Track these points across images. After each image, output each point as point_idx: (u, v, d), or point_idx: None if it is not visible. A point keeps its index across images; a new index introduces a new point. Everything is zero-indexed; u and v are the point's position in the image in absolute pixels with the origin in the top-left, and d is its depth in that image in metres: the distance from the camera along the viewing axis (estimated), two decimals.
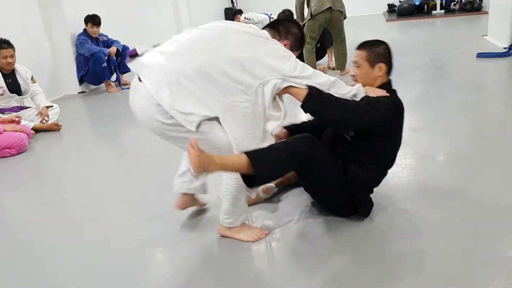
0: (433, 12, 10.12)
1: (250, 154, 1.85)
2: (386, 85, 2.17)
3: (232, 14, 10.60)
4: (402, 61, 5.68)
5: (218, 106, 1.82)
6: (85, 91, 6.03)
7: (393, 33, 8.68)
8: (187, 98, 1.78)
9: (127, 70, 6.20)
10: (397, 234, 2.07)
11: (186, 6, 9.51)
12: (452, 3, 10.16)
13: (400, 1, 10.69)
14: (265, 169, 1.87)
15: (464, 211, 2.20)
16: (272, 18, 9.66)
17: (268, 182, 2.23)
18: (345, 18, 5.25)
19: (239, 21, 9.80)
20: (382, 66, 2.12)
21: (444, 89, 4.50)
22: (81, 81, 5.96)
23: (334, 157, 2.10)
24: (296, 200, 2.46)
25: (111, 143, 4.01)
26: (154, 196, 2.74)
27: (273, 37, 2.01)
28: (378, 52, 2.13)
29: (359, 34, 5.98)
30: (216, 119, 1.83)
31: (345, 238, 2.07)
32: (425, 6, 10.27)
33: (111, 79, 5.93)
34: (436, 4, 10.15)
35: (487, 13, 8.86)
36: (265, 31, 2.03)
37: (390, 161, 2.24)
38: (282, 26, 2.10)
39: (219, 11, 11.59)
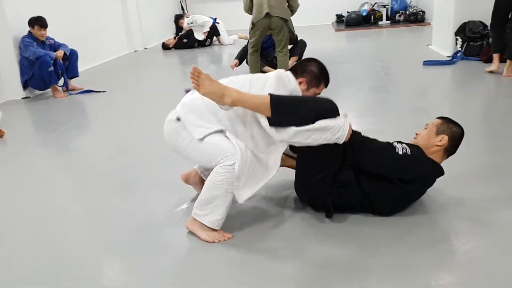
0: (380, 22, 10.47)
1: (273, 98, 1.98)
2: (437, 166, 2.20)
3: (175, 19, 10.60)
4: (352, 68, 5.80)
5: (220, 123, 2.17)
6: (29, 97, 5.74)
7: (342, 42, 8.90)
8: (198, 117, 2.17)
9: (75, 75, 5.98)
10: (361, 238, 2.09)
11: (136, 11, 9.33)
12: (397, 15, 10.56)
13: (348, 12, 10.99)
14: (280, 118, 1.97)
15: (431, 211, 2.26)
16: (217, 23, 9.65)
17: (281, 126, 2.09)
18: (286, 22, 5.16)
19: (182, 26, 9.78)
20: (445, 139, 2.17)
21: (394, 94, 4.64)
22: (25, 85, 5.66)
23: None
24: (279, 201, 2.46)
25: (57, 150, 3.82)
26: (106, 204, 2.63)
27: (294, 75, 2.32)
28: (451, 128, 2.21)
29: (309, 44, 6.09)
30: (220, 131, 2.13)
31: (328, 237, 2.07)
32: (372, 17, 10.61)
33: (58, 84, 5.68)
34: (382, 15, 10.51)
35: (429, 24, 9.29)
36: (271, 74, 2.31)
37: (389, 206, 2.20)
38: (300, 66, 2.39)
39: (169, 17, 11.44)
